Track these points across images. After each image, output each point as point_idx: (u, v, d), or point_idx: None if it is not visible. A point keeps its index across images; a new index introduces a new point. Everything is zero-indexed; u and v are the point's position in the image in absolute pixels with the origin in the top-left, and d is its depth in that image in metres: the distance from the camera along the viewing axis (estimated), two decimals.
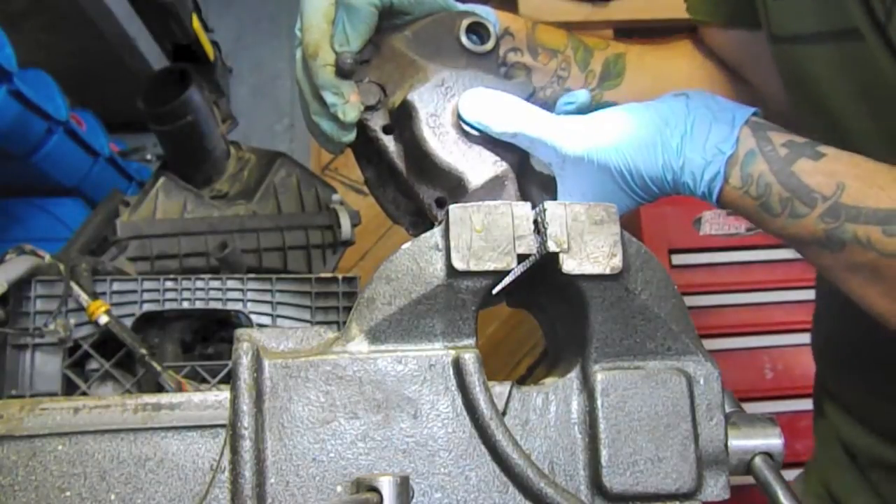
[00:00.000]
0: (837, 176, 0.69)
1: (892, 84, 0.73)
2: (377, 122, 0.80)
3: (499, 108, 0.75)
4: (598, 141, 0.73)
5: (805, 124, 0.84)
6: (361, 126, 0.81)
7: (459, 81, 0.78)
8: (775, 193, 0.71)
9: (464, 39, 0.81)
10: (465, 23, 0.81)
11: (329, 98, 0.78)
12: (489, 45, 0.82)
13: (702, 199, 0.75)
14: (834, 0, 0.75)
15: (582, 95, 0.81)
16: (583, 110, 0.79)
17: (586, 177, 0.74)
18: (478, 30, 0.82)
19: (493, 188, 0.75)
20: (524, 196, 0.77)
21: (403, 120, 0.78)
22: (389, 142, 0.79)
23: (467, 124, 0.76)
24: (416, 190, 0.78)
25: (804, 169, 0.70)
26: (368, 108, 0.80)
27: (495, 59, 0.84)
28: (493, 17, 0.89)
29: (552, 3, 2.87)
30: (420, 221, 0.82)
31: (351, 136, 0.81)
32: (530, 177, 0.79)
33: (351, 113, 0.78)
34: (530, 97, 0.80)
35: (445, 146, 0.76)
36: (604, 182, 0.74)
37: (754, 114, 0.74)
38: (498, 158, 0.77)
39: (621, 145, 0.73)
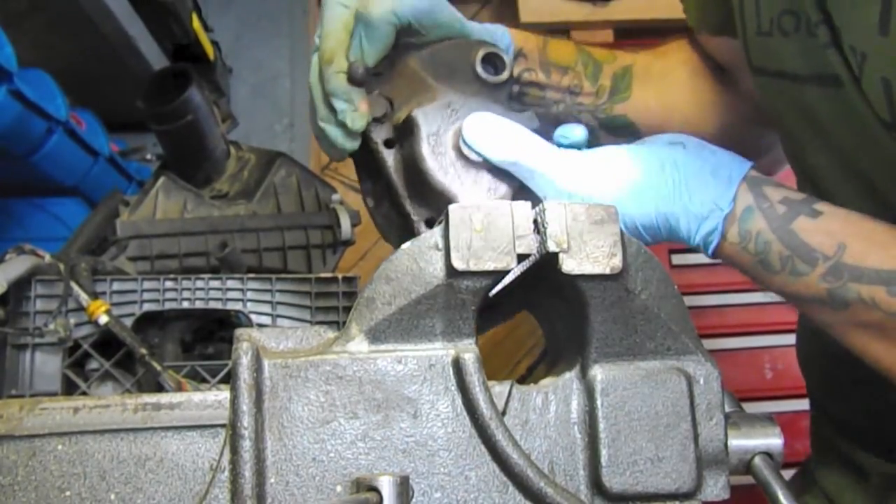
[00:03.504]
0: (837, 236, 0.69)
1: (870, 130, 0.72)
2: (380, 134, 0.80)
3: (501, 134, 0.75)
4: (593, 183, 0.73)
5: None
6: (364, 137, 0.81)
7: (466, 106, 0.78)
8: (775, 251, 0.71)
9: (479, 68, 0.82)
10: (482, 53, 0.82)
11: (339, 105, 0.79)
12: (503, 77, 0.82)
13: (696, 250, 0.75)
14: (815, 47, 0.75)
15: (577, 131, 0.81)
16: (577, 146, 0.79)
17: None
18: (494, 60, 0.83)
19: None
20: None
21: (405, 135, 0.78)
22: (389, 156, 0.80)
23: (468, 147, 0.76)
24: (407, 208, 0.78)
25: (804, 227, 0.70)
26: (374, 120, 0.80)
27: (507, 90, 0.84)
28: (507, 38, 0.91)
29: (552, 4, 2.87)
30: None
31: (355, 144, 0.81)
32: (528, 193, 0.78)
33: (359, 121, 0.79)
34: (535, 132, 0.80)
35: (442, 166, 0.76)
36: None
37: (752, 167, 0.74)
38: (494, 187, 0.76)
39: (614, 189, 0.73)
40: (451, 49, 0.83)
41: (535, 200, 0.77)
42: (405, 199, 0.78)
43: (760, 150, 1.06)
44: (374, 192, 0.86)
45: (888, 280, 0.67)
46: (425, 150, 0.76)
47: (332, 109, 0.80)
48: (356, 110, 0.79)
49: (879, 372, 0.71)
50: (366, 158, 0.84)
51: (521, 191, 0.77)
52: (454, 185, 0.75)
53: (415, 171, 0.77)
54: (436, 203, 0.76)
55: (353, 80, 0.78)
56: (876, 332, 0.69)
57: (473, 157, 0.76)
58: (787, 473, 0.64)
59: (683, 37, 1.08)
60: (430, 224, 0.77)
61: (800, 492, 1.10)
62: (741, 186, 0.72)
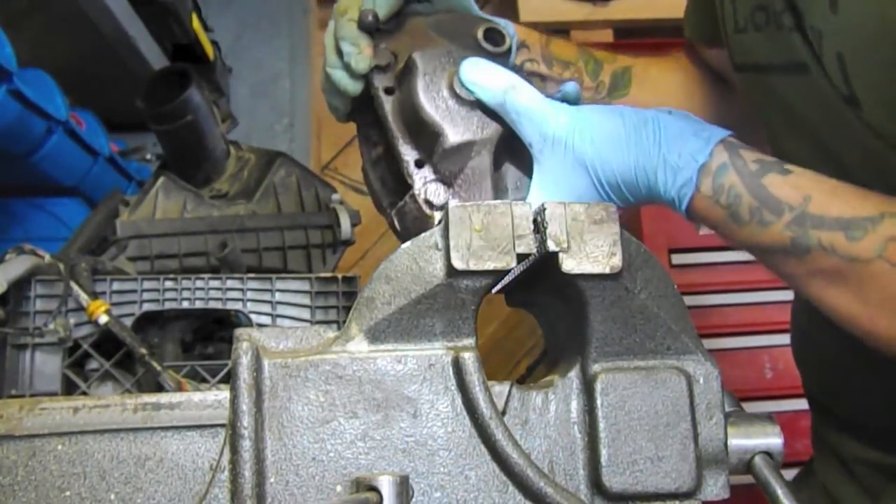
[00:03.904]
0: (804, 189, 0.72)
1: (842, 116, 0.77)
2: (382, 82, 0.83)
3: (495, 75, 0.78)
4: (577, 130, 0.75)
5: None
6: (367, 86, 0.84)
7: (464, 55, 0.81)
8: (745, 203, 0.73)
9: (480, 38, 0.85)
10: (485, 27, 0.85)
11: (346, 48, 0.84)
12: (504, 48, 0.86)
13: (670, 207, 0.76)
14: (782, 36, 0.80)
15: (570, 86, 0.83)
16: (569, 101, 0.81)
17: (562, 166, 0.76)
18: (495, 36, 0.86)
19: (467, 152, 0.77)
20: (497, 175, 0.78)
21: (404, 76, 0.81)
22: (387, 101, 0.82)
23: (462, 85, 0.78)
24: (399, 149, 0.80)
25: (773, 182, 0.73)
26: (378, 69, 0.83)
27: (506, 61, 0.87)
28: (511, 28, 0.95)
29: (552, 3, 2.87)
30: (401, 205, 0.83)
31: (358, 87, 0.85)
32: (508, 159, 0.80)
33: (362, 63, 0.83)
34: None
35: (434, 102, 0.78)
36: (577, 175, 0.75)
37: (731, 135, 0.77)
38: (482, 125, 0.78)
39: (598, 138, 0.75)
40: (457, 20, 0.87)
41: (520, 148, 0.78)
42: (398, 139, 0.80)
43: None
44: (371, 158, 0.89)
45: (847, 226, 0.70)
46: (420, 86, 0.78)
47: (341, 56, 0.84)
48: (361, 53, 0.83)
49: (834, 320, 0.74)
50: (366, 120, 0.88)
51: (507, 137, 0.78)
52: (445, 120, 0.77)
53: (409, 108, 0.79)
54: (426, 141, 0.78)
55: (362, 26, 0.83)
56: (833, 279, 0.72)
57: (465, 95, 0.78)
58: (787, 473, 0.64)
59: (682, 50, 1.13)
60: (419, 164, 0.78)
61: (802, 489, 1.11)
62: (718, 146, 0.75)
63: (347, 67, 0.84)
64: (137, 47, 1.86)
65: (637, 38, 2.96)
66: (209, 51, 2.36)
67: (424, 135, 0.78)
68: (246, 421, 0.56)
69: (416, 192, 0.77)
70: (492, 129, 0.78)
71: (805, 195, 0.72)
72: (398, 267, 0.61)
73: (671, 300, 0.64)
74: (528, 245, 0.61)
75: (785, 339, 2.02)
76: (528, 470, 0.58)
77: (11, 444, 0.56)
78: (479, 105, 0.78)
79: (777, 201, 0.72)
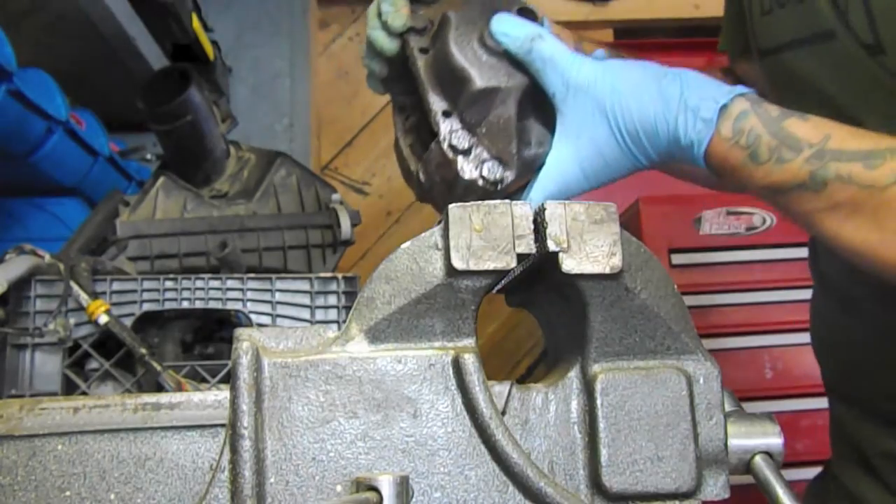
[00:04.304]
0: (824, 129, 0.74)
1: (865, 74, 0.79)
2: (417, 42, 0.86)
3: (524, 24, 0.81)
4: (599, 79, 0.77)
5: None
6: (402, 58, 0.86)
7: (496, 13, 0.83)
8: (764, 143, 0.74)
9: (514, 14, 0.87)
10: (519, 6, 0.87)
11: (384, 7, 0.86)
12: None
13: (687, 158, 0.77)
14: (805, 8, 0.83)
15: (598, 52, 0.86)
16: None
17: (583, 116, 0.77)
18: (528, 15, 0.87)
19: (492, 99, 0.79)
20: (521, 126, 0.80)
21: (437, 33, 0.84)
22: (420, 58, 0.85)
23: (491, 37, 0.80)
24: (428, 99, 0.82)
25: (793, 124, 0.74)
26: (414, 31, 0.86)
27: None
28: (545, 21, 0.95)
29: (552, 3, 2.88)
30: (426, 154, 0.84)
31: (394, 47, 0.87)
32: (533, 114, 0.82)
33: (398, 20, 0.86)
34: None
35: (463, 50, 0.80)
36: (598, 124, 0.76)
37: (752, 92, 0.78)
38: (509, 74, 0.80)
39: (619, 86, 0.76)
40: None
41: (545, 105, 0.80)
42: (427, 91, 0.82)
43: None
44: (405, 127, 0.91)
45: (865, 156, 0.71)
46: (452, 36, 0.81)
47: (380, 18, 0.87)
48: (398, 11, 0.86)
49: (850, 256, 0.75)
50: (401, 88, 0.91)
51: (532, 91, 0.80)
52: (473, 66, 0.79)
53: (440, 58, 0.82)
54: (454, 91, 0.80)
55: None
56: (849, 211, 0.72)
57: (494, 45, 0.80)
58: (788, 473, 0.64)
59: (715, 66, 1.16)
60: (446, 115, 0.80)
61: (823, 495, 1.10)
62: (739, 97, 0.76)
63: (385, 26, 0.86)
64: (137, 47, 1.86)
65: (637, 38, 2.96)
66: (209, 51, 2.36)
67: (453, 83, 0.80)
68: (246, 421, 0.56)
69: (442, 137, 0.79)
70: (518, 79, 0.80)
71: (825, 134, 0.73)
72: (398, 267, 0.61)
73: (671, 300, 0.64)
74: (528, 245, 0.61)
75: (785, 339, 2.02)
76: (528, 470, 0.58)
77: (11, 444, 0.56)
78: (507, 57, 0.80)
79: (796, 139, 0.73)
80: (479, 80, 0.79)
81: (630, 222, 2.07)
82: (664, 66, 0.79)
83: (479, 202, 0.62)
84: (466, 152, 0.79)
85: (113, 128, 1.98)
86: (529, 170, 0.80)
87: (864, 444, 1.02)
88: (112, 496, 0.56)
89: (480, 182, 0.78)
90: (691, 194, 2.15)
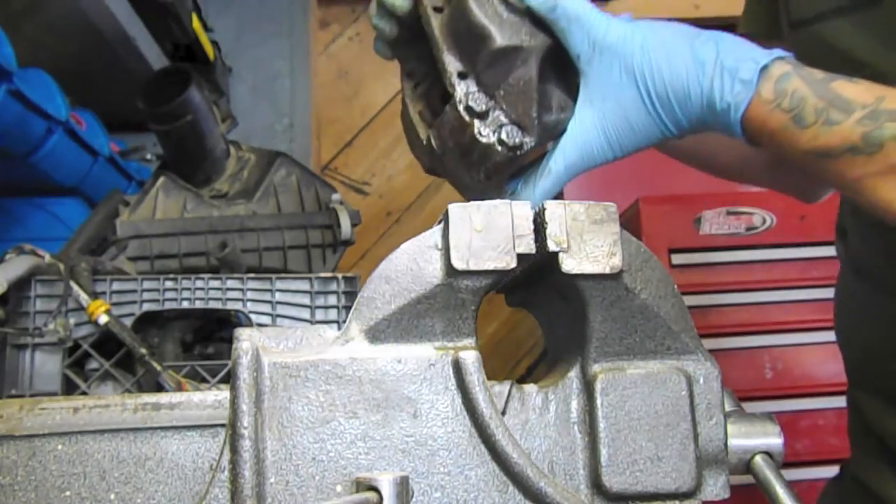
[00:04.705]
0: (876, 91, 0.69)
1: None
2: (431, 1, 0.80)
3: None
4: (628, 40, 0.72)
5: None
6: (413, 20, 0.81)
7: None
8: (810, 105, 0.69)
9: None
10: None
11: None
12: None
13: (721, 121, 0.71)
14: None
15: (625, 16, 0.81)
16: None
17: (610, 78, 0.72)
18: None
19: (513, 59, 0.74)
20: (541, 90, 0.75)
21: None
22: (434, 16, 0.79)
23: None
24: (443, 59, 0.76)
25: (842, 86, 0.70)
26: None
27: None
28: None
29: None
30: (440, 118, 0.79)
31: (406, 5, 0.81)
32: (554, 79, 0.77)
33: None
34: None
35: (483, 7, 0.75)
36: (626, 87, 0.72)
37: (792, 56, 0.73)
38: (531, 33, 0.75)
39: (649, 45, 0.71)
40: None
41: (567, 70, 0.75)
42: (442, 51, 0.77)
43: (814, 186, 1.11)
44: (414, 92, 0.85)
45: None
46: None
47: None
48: None
49: None
50: (410, 53, 0.85)
51: (554, 53, 0.75)
52: (493, 23, 0.74)
53: (458, 15, 0.76)
54: (472, 50, 0.75)
55: None
56: None
57: (516, 1, 0.75)
58: (788, 473, 0.64)
59: None
60: (462, 76, 0.75)
61: (841, 497, 1.07)
62: (780, 60, 0.71)
63: None
64: (137, 47, 1.86)
65: None
66: (209, 51, 2.36)
67: (471, 42, 0.75)
68: (246, 421, 0.56)
69: (458, 98, 0.74)
70: (540, 39, 0.75)
71: (878, 95, 0.69)
72: (398, 267, 0.61)
73: (671, 300, 0.64)
74: (528, 245, 0.61)
75: (785, 339, 2.03)
76: (528, 470, 0.58)
77: (11, 444, 0.56)
78: (530, 14, 0.75)
79: (847, 101, 0.69)
80: (500, 38, 0.73)
81: (630, 222, 2.07)
82: (699, 29, 0.73)
83: (479, 202, 0.62)
84: (483, 115, 0.73)
85: (113, 128, 1.98)
86: (550, 136, 0.75)
87: (889, 439, 0.98)
88: (112, 496, 0.56)
89: (498, 147, 0.73)
90: (691, 194, 2.16)
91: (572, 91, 0.76)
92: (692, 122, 0.72)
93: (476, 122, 0.73)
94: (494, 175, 0.76)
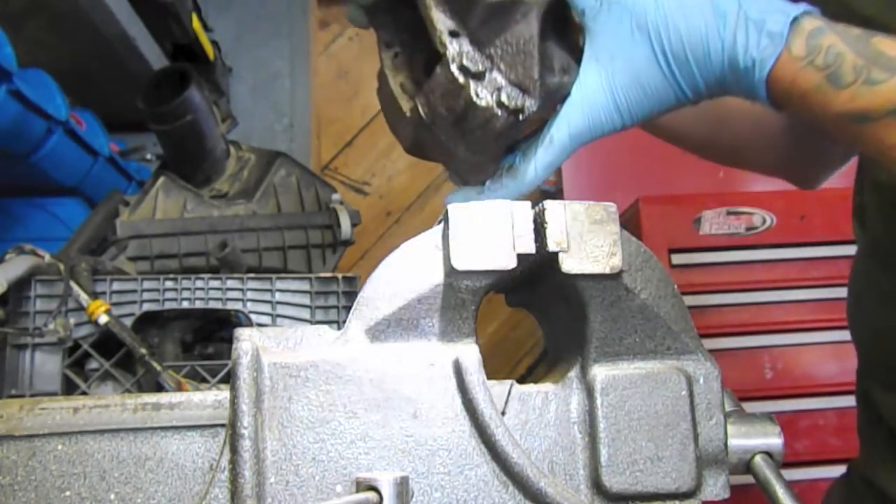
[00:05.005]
0: None
1: None
2: None
3: None
4: None
5: None
6: None
7: None
8: (848, 62, 0.63)
9: None
10: None
11: None
12: None
13: (744, 81, 0.65)
14: None
15: None
16: None
17: (619, 35, 0.65)
18: None
19: (511, 13, 0.66)
20: (542, 50, 0.67)
21: None
22: None
23: None
24: (432, 16, 0.68)
25: (883, 42, 0.63)
26: None
27: None
28: None
29: None
30: (428, 83, 0.71)
31: None
32: (555, 38, 0.70)
33: None
34: None
35: None
36: (637, 45, 0.65)
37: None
38: None
39: None
40: None
41: (570, 28, 0.69)
42: (431, 8, 0.68)
43: (834, 158, 1.05)
44: (393, 63, 0.77)
45: None
46: None
47: None
48: None
49: None
50: (387, 20, 0.76)
51: (556, 8, 0.68)
52: None
53: None
54: (465, 5, 0.67)
55: None
56: None
57: None
58: (788, 473, 0.64)
59: None
60: (453, 34, 0.68)
61: (848, 496, 1.04)
62: (810, 14, 0.64)
63: None
64: (137, 47, 1.86)
65: None
66: (209, 51, 2.36)
67: None
68: (246, 421, 0.56)
69: (450, 58, 0.65)
70: None
71: None
72: (398, 267, 0.61)
73: (671, 300, 0.64)
74: (528, 245, 0.61)
75: (785, 339, 2.02)
76: (528, 470, 0.58)
77: (11, 444, 0.56)
78: None
79: (890, 59, 0.62)
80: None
81: (630, 222, 2.07)
82: None
83: (479, 203, 0.61)
84: (479, 76, 0.65)
85: (113, 128, 1.98)
86: (552, 101, 0.68)
87: None
88: (112, 496, 0.56)
89: (498, 110, 0.65)
90: (691, 194, 2.16)
91: (574, 52, 0.69)
92: (710, 83, 0.66)
93: (472, 83, 0.65)
94: (492, 144, 0.68)
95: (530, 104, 0.65)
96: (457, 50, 0.66)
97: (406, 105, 0.73)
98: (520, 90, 0.65)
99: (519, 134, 0.69)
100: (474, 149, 0.68)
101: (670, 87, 0.66)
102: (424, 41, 0.71)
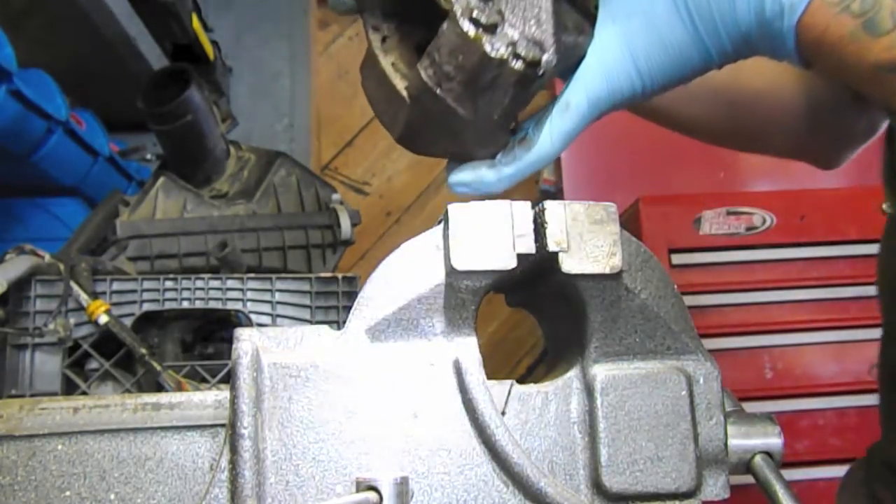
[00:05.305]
0: None
1: None
2: None
3: None
4: None
5: None
6: None
7: None
8: (887, 7, 0.58)
9: None
10: None
11: None
12: None
13: (771, 33, 0.60)
14: None
15: None
16: None
17: None
18: None
19: None
20: (555, 8, 0.63)
21: None
22: None
23: None
24: None
25: None
26: None
27: None
28: None
29: None
30: (432, 46, 0.66)
31: None
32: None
33: None
34: None
35: None
36: (655, 1, 0.61)
37: None
38: None
39: None
40: None
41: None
42: None
43: (857, 135, 1.01)
44: (382, 44, 0.72)
45: None
46: None
47: None
48: None
49: None
50: (374, 3, 0.73)
51: None
52: None
53: None
54: None
55: None
56: None
57: None
58: (788, 473, 0.64)
59: None
60: None
61: (869, 484, 1.01)
62: None
63: None
64: (137, 47, 1.86)
65: None
66: (209, 51, 2.36)
67: None
68: (246, 421, 0.56)
69: (458, 12, 0.60)
70: None
71: None
72: (398, 267, 0.61)
73: (671, 300, 0.64)
74: (528, 245, 0.61)
75: (785, 339, 2.03)
76: (527, 470, 0.58)
77: (11, 444, 0.56)
78: None
79: None
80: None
81: (630, 222, 2.07)
82: None
83: (478, 202, 0.61)
84: (491, 28, 0.60)
85: (113, 128, 1.98)
86: (567, 61, 0.63)
87: None
88: (112, 496, 0.56)
89: (514, 62, 0.59)
90: (691, 194, 2.16)
91: (588, 13, 0.65)
92: (735, 38, 0.61)
93: (485, 37, 0.60)
94: (508, 103, 0.63)
95: (548, 58, 0.60)
96: (466, 3, 0.61)
97: (401, 83, 0.68)
98: (535, 44, 0.60)
99: (536, 92, 0.64)
100: (486, 111, 0.63)
101: (693, 46, 0.61)
102: (413, 25, 0.68)
